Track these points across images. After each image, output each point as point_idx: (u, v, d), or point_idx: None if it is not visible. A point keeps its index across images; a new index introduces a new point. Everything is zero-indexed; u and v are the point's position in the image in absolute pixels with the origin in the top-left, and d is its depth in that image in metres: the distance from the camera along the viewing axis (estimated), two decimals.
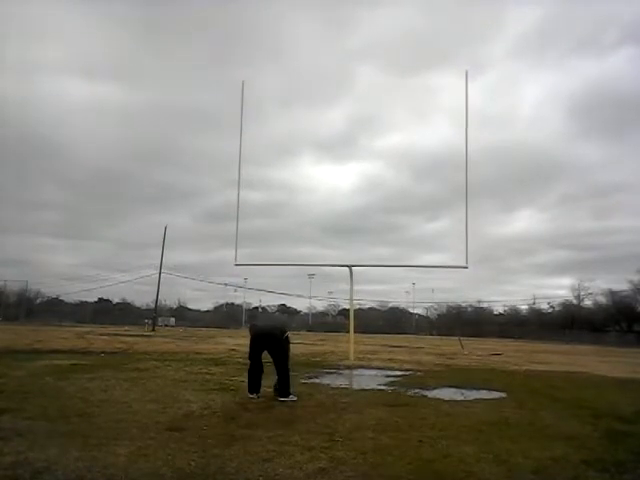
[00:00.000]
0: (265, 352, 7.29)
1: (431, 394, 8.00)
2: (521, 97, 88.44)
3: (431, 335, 66.36)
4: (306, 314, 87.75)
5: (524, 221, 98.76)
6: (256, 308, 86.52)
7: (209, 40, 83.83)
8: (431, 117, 64.64)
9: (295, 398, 6.93)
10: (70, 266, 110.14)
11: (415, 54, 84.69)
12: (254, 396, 7.03)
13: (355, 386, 9.27)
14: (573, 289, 68.81)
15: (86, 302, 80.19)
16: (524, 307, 78.00)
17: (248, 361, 7.44)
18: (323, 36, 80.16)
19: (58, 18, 77.46)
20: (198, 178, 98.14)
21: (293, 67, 78.19)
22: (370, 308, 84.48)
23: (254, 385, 7.16)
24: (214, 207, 68.80)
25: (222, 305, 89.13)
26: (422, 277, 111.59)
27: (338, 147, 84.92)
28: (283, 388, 7.02)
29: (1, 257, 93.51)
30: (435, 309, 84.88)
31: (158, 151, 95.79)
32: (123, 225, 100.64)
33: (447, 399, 7.56)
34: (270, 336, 7.29)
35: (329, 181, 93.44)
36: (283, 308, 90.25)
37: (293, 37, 79.72)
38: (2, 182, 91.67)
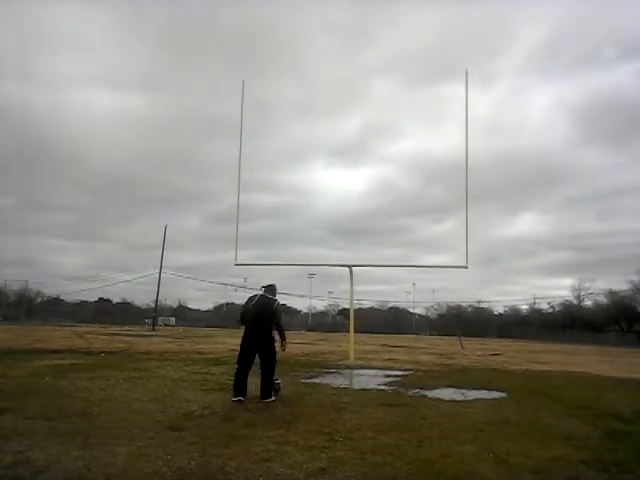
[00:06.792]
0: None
1: (431, 394, 7.99)
2: (528, 107, 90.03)
3: (431, 335, 66.32)
4: (306, 314, 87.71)
5: (527, 223, 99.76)
6: None
7: (230, 52, 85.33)
8: (442, 125, 65.79)
9: (274, 399, 6.58)
10: (82, 267, 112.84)
11: (429, 67, 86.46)
12: (238, 399, 6.49)
13: (355, 386, 9.26)
14: (573, 289, 69.02)
15: (86, 302, 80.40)
16: (524, 307, 78.20)
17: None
18: (341, 50, 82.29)
19: (85, 32, 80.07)
20: (210, 182, 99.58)
21: (312, 79, 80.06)
22: (370, 308, 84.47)
23: (239, 387, 6.63)
24: (224, 209, 70.38)
25: (222, 305, 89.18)
26: (424, 278, 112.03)
27: (350, 153, 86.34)
28: (265, 388, 6.63)
29: (17, 258, 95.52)
30: (435, 309, 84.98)
31: (174, 157, 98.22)
32: (134, 227, 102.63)
33: (447, 399, 7.55)
34: (256, 326, 6.83)
35: (339, 185, 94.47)
36: (283, 308, 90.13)
37: (312, 51, 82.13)
38: (19, 185, 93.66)
